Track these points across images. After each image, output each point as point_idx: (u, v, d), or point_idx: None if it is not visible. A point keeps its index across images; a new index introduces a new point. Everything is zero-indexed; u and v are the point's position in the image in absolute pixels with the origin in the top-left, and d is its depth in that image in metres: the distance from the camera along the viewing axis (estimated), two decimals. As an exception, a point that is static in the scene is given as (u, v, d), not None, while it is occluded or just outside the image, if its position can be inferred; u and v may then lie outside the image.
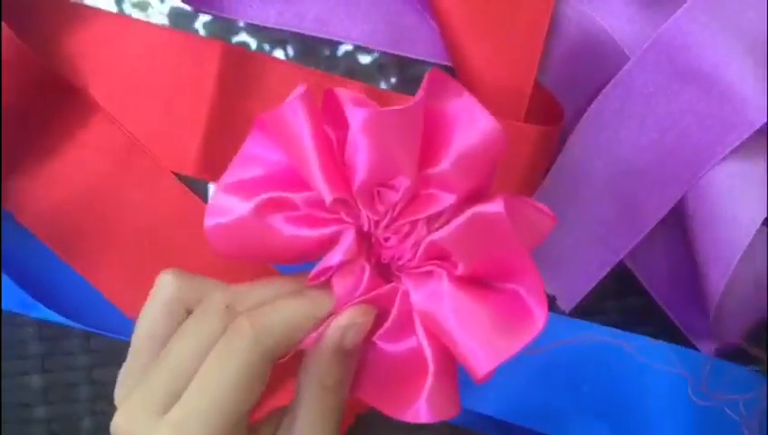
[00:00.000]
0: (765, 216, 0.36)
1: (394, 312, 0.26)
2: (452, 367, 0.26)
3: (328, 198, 0.25)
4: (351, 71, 0.41)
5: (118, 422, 0.25)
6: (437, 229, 0.26)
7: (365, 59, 0.41)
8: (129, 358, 0.27)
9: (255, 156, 0.27)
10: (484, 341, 0.25)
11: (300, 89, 0.25)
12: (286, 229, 0.25)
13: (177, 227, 0.40)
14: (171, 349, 0.25)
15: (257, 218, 0.25)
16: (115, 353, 0.42)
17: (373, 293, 0.26)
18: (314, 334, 0.25)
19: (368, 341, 0.26)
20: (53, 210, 0.39)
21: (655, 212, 0.39)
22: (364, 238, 0.26)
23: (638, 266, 0.40)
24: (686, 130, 0.38)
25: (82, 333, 0.41)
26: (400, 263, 0.26)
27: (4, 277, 0.39)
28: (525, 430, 0.40)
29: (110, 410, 0.41)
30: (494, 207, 0.24)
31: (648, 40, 0.38)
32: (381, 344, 0.27)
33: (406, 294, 0.26)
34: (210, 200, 0.26)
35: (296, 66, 0.40)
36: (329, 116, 0.26)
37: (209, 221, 0.26)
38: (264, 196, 0.25)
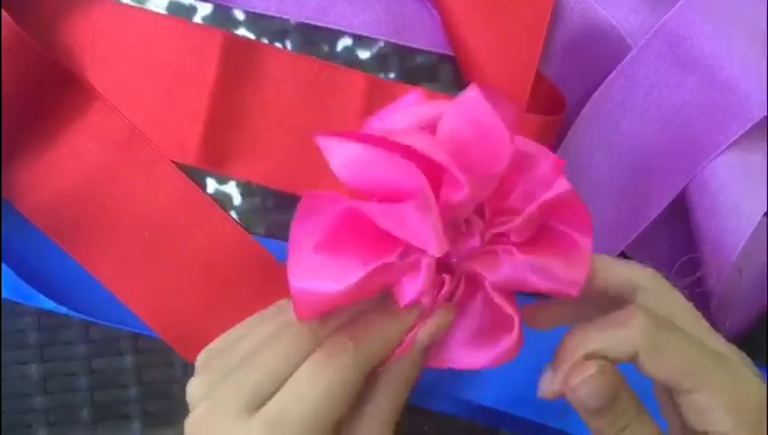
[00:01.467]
0: (767, 207, 0.36)
1: (459, 294, 0.28)
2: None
3: (439, 254, 0.25)
4: (350, 64, 0.41)
5: (200, 415, 0.26)
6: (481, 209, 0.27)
7: (364, 54, 0.41)
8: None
9: (320, 207, 0.26)
10: (559, 280, 0.27)
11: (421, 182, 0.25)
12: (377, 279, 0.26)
13: (176, 216, 0.40)
14: (262, 354, 0.26)
15: (360, 284, 0.25)
16: (114, 343, 0.42)
17: (448, 293, 0.27)
18: (406, 343, 0.27)
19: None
20: (53, 199, 0.39)
21: (656, 203, 0.39)
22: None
23: (640, 257, 0.40)
24: (688, 120, 0.38)
25: (81, 323, 0.41)
26: (465, 254, 0.28)
27: (4, 267, 0.39)
28: (526, 422, 0.40)
29: (108, 399, 0.41)
30: (562, 185, 0.26)
31: (651, 30, 0.38)
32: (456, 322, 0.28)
33: (470, 277, 0.28)
34: (293, 261, 0.25)
35: (297, 55, 0.40)
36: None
37: (302, 284, 0.25)
38: (370, 267, 0.25)
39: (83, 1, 0.39)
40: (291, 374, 0.26)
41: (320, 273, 0.25)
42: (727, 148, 0.37)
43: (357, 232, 0.25)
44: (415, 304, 0.27)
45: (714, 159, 0.37)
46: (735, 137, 0.37)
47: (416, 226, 0.25)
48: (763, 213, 0.36)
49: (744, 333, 0.39)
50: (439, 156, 0.24)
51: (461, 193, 0.25)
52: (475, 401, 0.39)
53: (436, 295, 0.27)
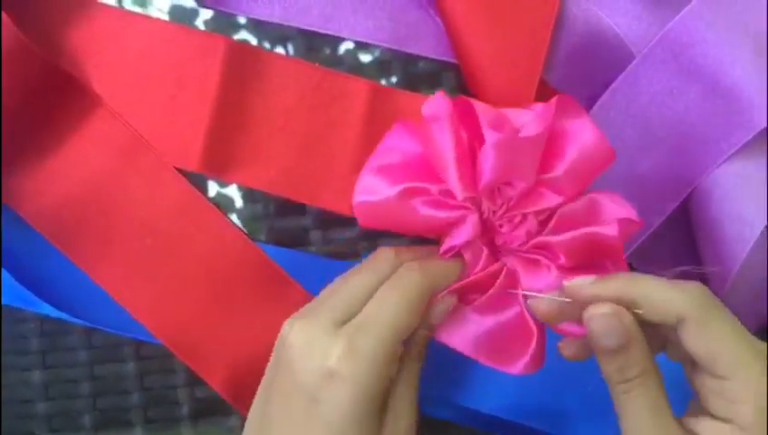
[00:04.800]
0: (770, 215, 0.36)
1: (497, 286, 0.32)
2: (544, 331, 0.32)
3: (460, 196, 0.30)
4: (353, 69, 0.41)
5: (297, 332, 0.30)
6: (545, 222, 0.31)
7: (366, 57, 0.41)
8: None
9: (396, 146, 0.33)
10: None
11: (446, 109, 0.30)
12: (422, 210, 0.31)
13: (179, 223, 0.40)
14: (349, 281, 0.32)
15: (399, 200, 0.31)
16: (116, 349, 0.42)
17: (485, 271, 0.32)
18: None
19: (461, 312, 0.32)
20: (55, 205, 0.39)
21: (660, 211, 0.39)
22: (483, 223, 0.32)
23: (643, 266, 0.40)
24: (692, 128, 0.38)
25: (83, 329, 0.41)
26: (511, 247, 0.32)
27: (5, 272, 0.39)
28: (528, 429, 0.40)
29: (110, 406, 0.41)
30: (610, 229, 0.30)
31: (655, 38, 0.38)
32: (480, 313, 0.32)
33: (510, 273, 0.32)
34: (359, 180, 0.32)
35: (300, 62, 0.40)
36: (464, 120, 0.31)
37: (358, 198, 0.32)
38: (407, 184, 0.31)
39: (86, 7, 0.39)
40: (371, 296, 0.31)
41: (370, 190, 0.31)
42: (731, 156, 0.37)
43: (415, 168, 0.32)
44: (456, 251, 0.32)
45: (717, 167, 0.37)
46: (739, 145, 0.37)
47: (442, 161, 0.30)
48: (766, 222, 0.36)
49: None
50: (482, 112, 0.30)
51: (488, 162, 0.30)
52: (476, 409, 0.39)
53: (475, 264, 0.32)
